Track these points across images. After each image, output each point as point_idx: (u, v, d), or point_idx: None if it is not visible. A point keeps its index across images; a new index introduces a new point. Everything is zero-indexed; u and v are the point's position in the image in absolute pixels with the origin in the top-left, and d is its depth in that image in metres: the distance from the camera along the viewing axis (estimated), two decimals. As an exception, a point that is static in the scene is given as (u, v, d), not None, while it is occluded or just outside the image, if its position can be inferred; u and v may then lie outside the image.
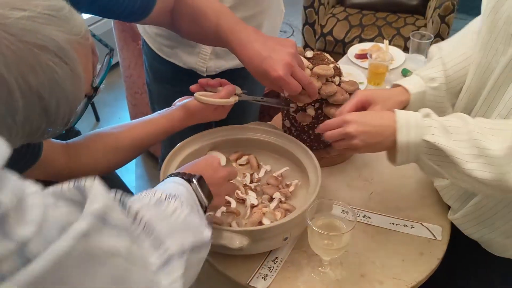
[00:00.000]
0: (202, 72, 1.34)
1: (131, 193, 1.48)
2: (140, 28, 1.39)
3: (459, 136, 0.78)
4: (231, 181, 0.87)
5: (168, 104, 1.06)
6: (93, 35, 0.68)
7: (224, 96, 1.00)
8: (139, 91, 2.19)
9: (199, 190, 0.73)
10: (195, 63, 1.32)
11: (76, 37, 0.58)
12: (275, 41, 0.92)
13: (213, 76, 1.34)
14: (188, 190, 0.71)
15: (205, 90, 1.03)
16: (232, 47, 0.93)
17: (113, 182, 1.47)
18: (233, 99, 1.02)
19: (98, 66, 0.71)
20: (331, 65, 1.04)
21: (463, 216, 0.95)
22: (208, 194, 0.75)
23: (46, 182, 0.62)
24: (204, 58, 1.31)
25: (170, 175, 0.75)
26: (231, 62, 1.35)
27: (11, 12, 0.51)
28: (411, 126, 0.81)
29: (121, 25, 2.15)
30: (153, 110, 1.46)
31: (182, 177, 0.73)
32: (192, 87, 1.03)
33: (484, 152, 0.75)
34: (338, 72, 1.05)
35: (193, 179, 0.73)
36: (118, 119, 2.74)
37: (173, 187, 0.71)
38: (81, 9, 0.90)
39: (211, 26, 0.96)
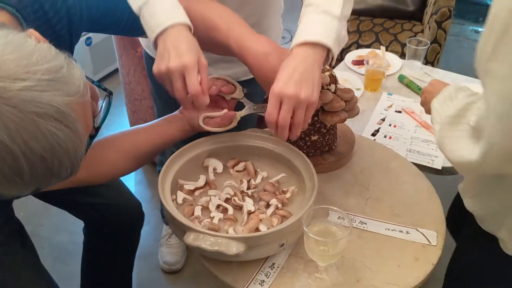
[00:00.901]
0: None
1: (136, 199, 1.50)
2: (145, 46, 1.39)
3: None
4: None
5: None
6: (92, 81, 0.71)
7: (226, 123, 1.04)
8: (138, 98, 2.20)
9: None
10: None
11: (75, 97, 0.60)
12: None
13: None
14: None
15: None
16: (244, 59, 0.92)
17: (120, 191, 1.48)
18: (235, 122, 1.04)
19: (100, 102, 0.75)
20: (327, 73, 1.05)
21: None
22: None
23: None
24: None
25: None
26: (223, 72, 1.36)
27: (12, 85, 0.55)
28: None
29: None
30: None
31: None
32: None
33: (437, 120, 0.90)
34: (333, 79, 1.06)
35: None
36: (118, 125, 2.75)
37: None
38: (83, 30, 0.92)
39: (222, 38, 0.95)
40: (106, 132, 0.81)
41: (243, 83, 1.06)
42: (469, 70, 2.20)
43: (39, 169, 0.58)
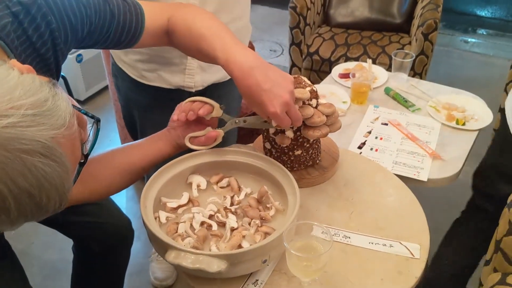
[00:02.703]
0: (191, 88, 1.35)
1: (126, 217, 1.50)
2: (117, 58, 1.39)
3: None
4: None
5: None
6: (79, 109, 0.70)
7: (210, 143, 1.06)
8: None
9: None
10: (183, 81, 1.33)
11: (61, 130, 0.59)
12: (275, 73, 0.93)
13: (200, 92, 1.36)
14: None
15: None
16: (230, 70, 0.93)
17: (109, 209, 1.47)
18: (220, 138, 1.06)
19: (88, 127, 0.73)
20: (308, 88, 1.06)
21: None
22: None
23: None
24: (191, 74, 1.33)
25: None
26: (216, 75, 1.38)
27: None
28: None
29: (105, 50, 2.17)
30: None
31: None
32: (175, 117, 1.06)
33: None
34: (314, 95, 1.07)
35: None
36: (109, 141, 2.75)
37: None
38: (69, 49, 0.93)
39: (209, 48, 0.96)
40: (97, 147, 0.81)
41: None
42: (459, 80, 2.24)
43: (26, 206, 0.57)
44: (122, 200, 2.46)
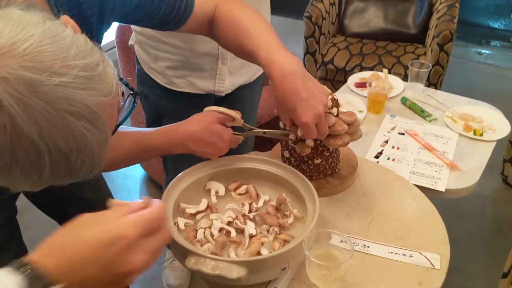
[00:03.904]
0: (221, 92, 1.36)
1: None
2: (145, 65, 1.40)
3: None
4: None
5: None
6: (120, 79, 0.68)
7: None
8: (143, 121, 2.22)
9: None
10: (213, 85, 1.35)
11: (108, 97, 0.57)
12: (314, 84, 0.93)
13: (227, 95, 1.37)
14: None
15: None
16: (270, 72, 0.92)
17: (101, 189, 1.47)
18: (240, 141, 1.07)
19: (121, 98, 0.70)
20: (329, 97, 1.05)
21: None
22: None
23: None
24: (221, 79, 1.34)
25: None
26: (242, 78, 1.39)
27: (49, 79, 0.52)
28: None
29: (126, 57, 2.19)
30: None
31: None
32: None
33: None
34: (335, 103, 1.07)
35: None
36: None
37: None
38: (114, 20, 0.91)
39: (251, 45, 0.95)
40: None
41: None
42: (472, 91, 2.22)
43: (60, 168, 0.55)
44: (135, 206, 2.46)
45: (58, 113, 0.52)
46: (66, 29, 0.58)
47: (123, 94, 0.72)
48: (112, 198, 1.50)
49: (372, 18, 2.89)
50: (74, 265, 0.56)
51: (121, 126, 0.71)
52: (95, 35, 0.87)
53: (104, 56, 0.60)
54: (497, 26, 4.25)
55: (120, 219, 0.59)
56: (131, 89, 0.75)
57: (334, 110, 1.06)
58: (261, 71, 1.45)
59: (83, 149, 0.55)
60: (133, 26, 1.37)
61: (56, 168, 0.55)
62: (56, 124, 0.52)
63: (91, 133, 0.55)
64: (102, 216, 0.60)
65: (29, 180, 0.55)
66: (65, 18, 0.64)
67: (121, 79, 0.68)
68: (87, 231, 0.58)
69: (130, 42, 1.42)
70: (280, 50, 0.93)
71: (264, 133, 1.08)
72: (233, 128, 1.08)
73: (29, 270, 0.53)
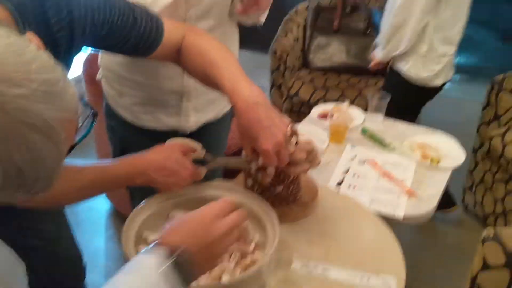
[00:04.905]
0: (185, 130, 1.38)
1: (80, 252, 1.51)
2: (112, 100, 1.41)
3: None
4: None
5: None
6: (81, 99, 0.68)
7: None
8: (110, 153, 2.21)
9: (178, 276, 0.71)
10: (178, 121, 1.36)
11: (66, 113, 0.58)
12: (275, 113, 0.97)
13: (192, 132, 1.39)
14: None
15: None
16: (234, 101, 0.96)
17: (67, 239, 1.48)
18: (202, 175, 1.09)
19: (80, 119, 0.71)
20: (289, 126, 1.10)
21: None
22: (191, 274, 0.74)
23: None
24: (187, 115, 1.36)
25: (147, 250, 0.73)
26: (208, 115, 1.41)
27: (9, 89, 0.52)
28: None
29: (93, 89, 2.20)
30: None
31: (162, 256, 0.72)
32: None
33: None
34: (294, 132, 1.10)
35: (174, 259, 0.71)
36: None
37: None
38: (84, 44, 0.93)
39: (217, 75, 1.00)
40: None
41: None
42: (433, 121, 2.32)
43: (11, 181, 0.55)
44: (100, 239, 2.43)
45: (15, 124, 0.52)
46: (30, 44, 0.59)
47: (93, 110, 0.74)
48: (71, 232, 1.52)
49: (335, 53, 3.00)
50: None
51: (82, 162, 0.73)
52: (64, 57, 0.89)
53: (66, 75, 0.61)
54: (457, 60, 4.44)
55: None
56: (91, 108, 0.75)
57: (293, 139, 1.11)
58: (228, 107, 1.48)
59: (37, 162, 0.55)
60: (100, 61, 1.39)
61: (8, 180, 0.55)
62: (12, 135, 0.53)
63: (46, 147, 0.55)
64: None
65: None
66: (29, 35, 0.66)
67: (81, 99, 0.69)
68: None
69: (98, 76, 1.44)
70: (243, 81, 0.98)
71: (227, 163, 1.11)
72: (196, 161, 1.10)
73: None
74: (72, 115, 0.60)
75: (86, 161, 1.03)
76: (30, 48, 0.58)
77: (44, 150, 0.55)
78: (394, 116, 1.96)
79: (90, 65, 2.20)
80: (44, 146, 0.55)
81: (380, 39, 2.30)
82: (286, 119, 1.01)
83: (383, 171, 1.61)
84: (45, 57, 0.59)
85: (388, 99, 1.89)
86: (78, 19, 0.88)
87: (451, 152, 1.73)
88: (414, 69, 2.23)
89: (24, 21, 0.77)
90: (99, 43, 0.98)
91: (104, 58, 1.36)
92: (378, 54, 2.33)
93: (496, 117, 2.40)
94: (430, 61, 2.21)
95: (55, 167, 0.59)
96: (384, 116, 1.92)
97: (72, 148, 0.68)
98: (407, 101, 2.29)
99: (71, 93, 0.60)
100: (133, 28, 0.99)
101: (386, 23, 2.22)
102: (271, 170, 1.12)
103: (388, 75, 2.42)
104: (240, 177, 1.28)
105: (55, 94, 0.57)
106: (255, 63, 3.89)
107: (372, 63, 2.39)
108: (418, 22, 2.09)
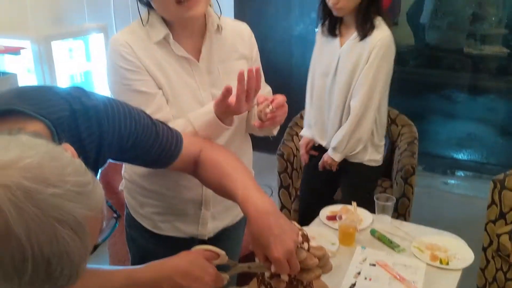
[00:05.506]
0: (204, 236, 1.44)
1: None
2: (133, 210, 1.48)
3: None
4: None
5: None
6: (106, 201, 0.75)
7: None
8: (122, 259, 2.24)
9: None
10: (196, 229, 1.42)
11: (93, 212, 0.65)
12: (286, 222, 1.04)
13: (210, 238, 1.44)
14: None
15: None
16: (246, 209, 1.04)
17: None
18: (225, 281, 1.13)
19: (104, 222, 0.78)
20: (300, 233, 1.15)
21: None
22: None
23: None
24: (204, 223, 1.42)
25: None
26: (224, 222, 1.47)
27: (45, 189, 0.60)
28: None
29: (107, 194, 2.28)
30: None
31: None
32: None
33: None
34: (306, 238, 1.16)
35: None
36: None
37: None
38: (110, 156, 1.02)
39: (230, 185, 1.08)
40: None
41: None
42: (440, 220, 2.36)
43: (40, 273, 0.60)
44: None
45: (47, 219, 0.59)
46: (65, 152, 0.69)
47: (116, 213, 0.82)
48: None
49: (340, 154, 3.10)
50: None
51: (110, 266, 0.79)
52: (92, 167, 0.97)
53: (96, 180, 0.69)
54: (460, 157, 4.54)
55: None
56: (115, 211, 0.83)
57: (305, 245, 1.15)
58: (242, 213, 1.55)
59: (64, 256, 0.61)
60: (123, 173, 1.48)
61: (36, 272, 0.60)
62: (44, 229, 0.59)
63: (73, 242, 0.62)
64: None
65: (9, 283, 0.59)
66: (65, 145, 0.76)
67: (107, 201, 0.76)
68: None
69: (120, 187, 1.53)
70: (255, 191, 1.06)
71: (249, 267, 1.15)
72: (217, 266, 1.15)
73: None
74: (99, 214, 0.67)
75: (100, 266, 1.07)
76: (66, 154, 0.68)
77: (71, 245, 0.62)
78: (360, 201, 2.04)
79: (106, 171, 2.30)
80: (71, 241, 0.62)
81: (334, 143, 2.41)
82: (296, 227, 1.07)
83: (394, 273, 1.62)
84: (78, 163, 0.68)
85: (393, 201, 1.95)
86: (107, 132, 0.99)
87: (460, 253, 1.76)
88: (372, 155, 2.46)
89: (59, 134, 0.88)
90: (124, 155, 1.09)
91: (127, 170, 1.45)
92: (335, 157, 2.42)
93: (502, 214, 2.43)
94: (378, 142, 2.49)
95: (81, 262, 0.64)
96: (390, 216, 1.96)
97: (95, 248, 0.74)
98: (371, 182, 2.56)
99: (99, 195, 0.68)
100: (155, 141, 1.10)
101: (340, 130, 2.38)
102: (284, 277, 1.16)
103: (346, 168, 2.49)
104: (253, 284, 1.31)
105: (84, 194, 0.64)
106: (262, 164, 4.00)
107: (324, 164, 2.48)
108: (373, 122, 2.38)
